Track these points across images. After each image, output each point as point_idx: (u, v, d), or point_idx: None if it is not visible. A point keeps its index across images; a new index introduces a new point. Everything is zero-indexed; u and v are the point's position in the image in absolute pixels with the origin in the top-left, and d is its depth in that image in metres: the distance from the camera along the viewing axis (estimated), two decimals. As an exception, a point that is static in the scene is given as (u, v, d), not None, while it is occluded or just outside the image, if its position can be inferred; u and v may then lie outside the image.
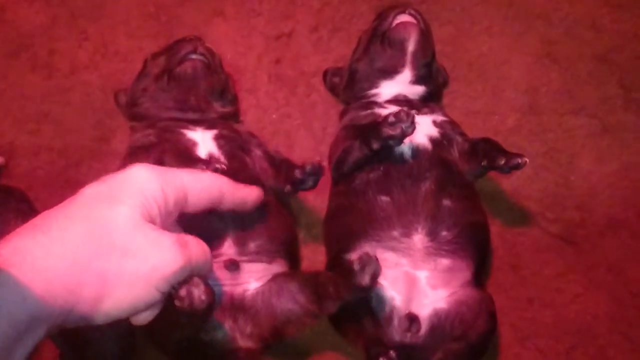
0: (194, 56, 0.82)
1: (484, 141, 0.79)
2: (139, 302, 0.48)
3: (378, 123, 0.73)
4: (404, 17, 0.83)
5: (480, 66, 0.97)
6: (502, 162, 0.71)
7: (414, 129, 0.71)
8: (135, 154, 0.76)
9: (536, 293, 0.82)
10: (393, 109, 0.78)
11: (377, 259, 0.62)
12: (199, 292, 0.52)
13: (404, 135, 0.71)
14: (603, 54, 0.97)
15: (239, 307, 0.70)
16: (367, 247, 0.71)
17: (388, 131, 0.71)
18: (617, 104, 0.94)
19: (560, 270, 0.83)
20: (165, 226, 0.52)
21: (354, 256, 0.68)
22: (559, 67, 0.97)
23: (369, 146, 0.74)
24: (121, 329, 0.70)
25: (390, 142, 0.72)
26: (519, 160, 0.71)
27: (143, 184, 0.50)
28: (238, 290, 0.70)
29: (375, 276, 0.61)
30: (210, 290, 0.53)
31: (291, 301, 0.67)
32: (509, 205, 0.87)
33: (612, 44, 0.98)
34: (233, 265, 0.70)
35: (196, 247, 0.52)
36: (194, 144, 0.77)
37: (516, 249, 0.84)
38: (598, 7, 1.01)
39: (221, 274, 0.69)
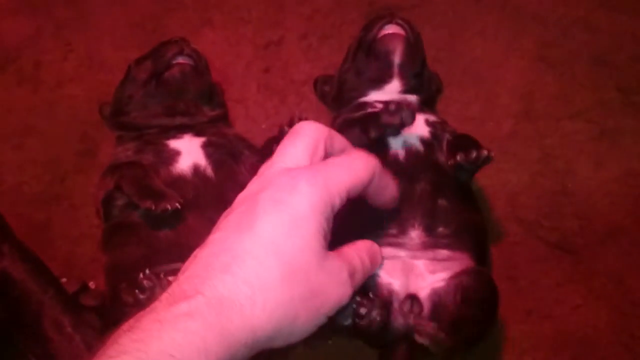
0: (181, 59, 0.81)
1: (458, 138, 0.76)
2: (311, 330, 0.46)
3: (378, 111, 0.72)
4: (390, 28, 0.80)
5: (475, 71, 0.96)
6: (459, 157, 0.69)
7: (413, 119, 0.70)
8: (105, 174, 0.76)
9: (534, 304, 0.79)
10: None
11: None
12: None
13: (403, 124, 0.70)
14: (599, 56, 0.96)
15: None
16: None
17: (388, 118, 0.70)
18: (615, 107, 0.92)
19: (559, 280, 0.81)
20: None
21: None
22: (555, 71, 0.95)
23: (367, 134, 0.72)
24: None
25: (388, 130, 0.71)
26: (474, 154, 0.68)
27: (316, 205, 0.45)
28: None
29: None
30: None
31: None
32: (505, 214, 0.85)
33: (609, 45, 0.96)
34: None
35: (361, 270, 0.51)
36: (176, 153, 0.76)
37: (513, 259, 0.82)
38: (593, 8, 1.00)
39: None
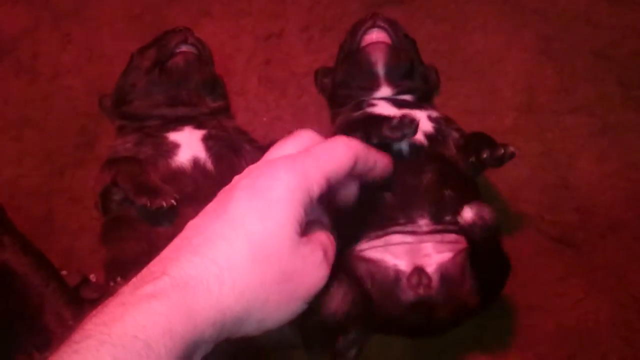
0: (185, 47, 0.81)
1: (474, 135, 0.75)
2: (291, 316, 0.47)
3: (381, 121, 0.71)
4: (372, 36, 0.80)
5: (476, 64, 0.95)
6: (485, 155, 0.68)
7: (415, 133, 0.69)
8: (103, 168, 0.75)
9: (535, 299, 0.79)
10: (385, 105, 0.77)
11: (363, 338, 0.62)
12: None
13: (404, 137, 0.69)
14: (601, 50, 0.95)
15: None
16: (373, 235, 0.69)
17: (387, 132, 0.69)
18: (616, 101, 0.91)
19: (560, 274, 0.81)
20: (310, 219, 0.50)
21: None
22: (556, 64, 0.94)
23: (369, 139, 0.71)
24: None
25: (388, 140, 0.70)
26: (502, 151, 0.67)
27: (292, 191, 0.45)
28: None
29: (359, 353, 0.61)
30: None
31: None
32: (506, 208, 0.84)
33: (610, 39, 0.95)
34: None
35: (331, 248, 0.51)
36: (176, 146, 0.75)
37: (514, 253, 0.80)
38: (595, 1, 0.98)
39: None
